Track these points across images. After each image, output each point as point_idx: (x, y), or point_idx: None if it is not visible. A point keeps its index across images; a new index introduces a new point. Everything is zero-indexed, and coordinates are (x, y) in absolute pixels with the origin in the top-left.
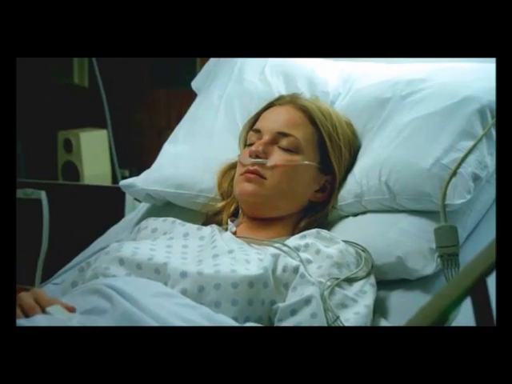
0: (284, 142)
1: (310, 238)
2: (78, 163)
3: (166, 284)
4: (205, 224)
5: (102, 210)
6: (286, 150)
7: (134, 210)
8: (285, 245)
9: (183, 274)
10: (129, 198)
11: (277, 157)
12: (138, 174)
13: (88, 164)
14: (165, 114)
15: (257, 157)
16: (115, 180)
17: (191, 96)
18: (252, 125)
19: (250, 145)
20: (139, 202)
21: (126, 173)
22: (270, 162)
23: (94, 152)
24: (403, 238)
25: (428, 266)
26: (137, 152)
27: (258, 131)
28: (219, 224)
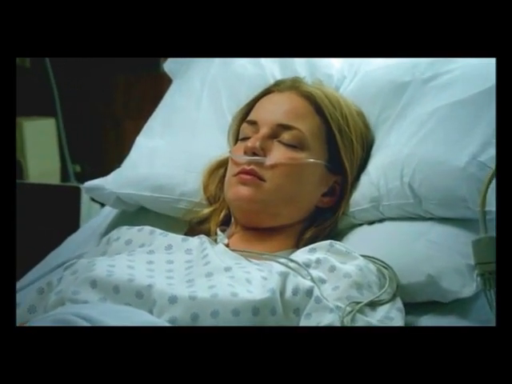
0: (286, 136)
1: (321, 251)
2: (21, 158)
3: (150, 311)
4: (188, 234)
5: (52, 213)
6: (289, 145)
7: (97, 216)
8: (291, 260)
9: (172, 299)
10: (85, 199)
11: (277, 154)
12: (91, 169)
13: (33, 159)
14: (123, 101)
15: (253, 154)
16: (66, 177)
17: (157, 80)
18: (245, 115)
19: (244, 139)
20: (100, 204)
21: (78, 168)
22: (269, 161)
23: (40, 144)
24: (433, 252)
25: (467, 286)
26: (90, 144)
27: (253, 123)
28: (206, 234)
